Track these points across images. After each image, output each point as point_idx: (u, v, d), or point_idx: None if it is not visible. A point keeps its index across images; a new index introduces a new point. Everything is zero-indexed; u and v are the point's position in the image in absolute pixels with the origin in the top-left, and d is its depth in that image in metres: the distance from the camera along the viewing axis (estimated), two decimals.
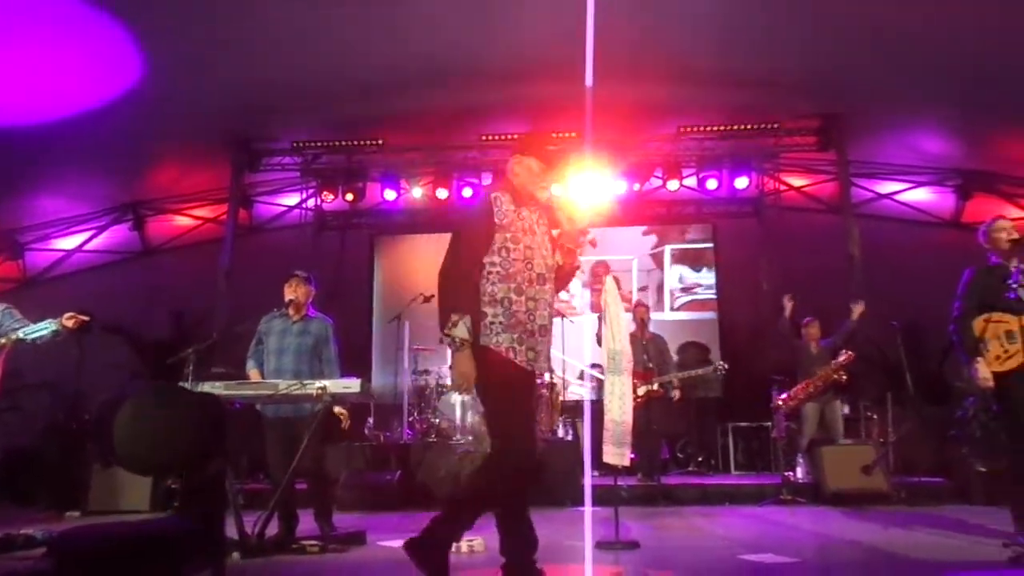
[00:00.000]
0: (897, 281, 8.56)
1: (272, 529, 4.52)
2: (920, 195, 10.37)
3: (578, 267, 3.28)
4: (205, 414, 1.95)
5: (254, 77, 8.16)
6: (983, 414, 6.61)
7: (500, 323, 3.02)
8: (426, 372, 8.96)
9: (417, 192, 10.77)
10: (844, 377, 7.30)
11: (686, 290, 10.79)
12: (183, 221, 11.29)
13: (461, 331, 2.95)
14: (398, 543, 4.78)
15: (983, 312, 4.34)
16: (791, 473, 7.29)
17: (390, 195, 10.62)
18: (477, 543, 4.43)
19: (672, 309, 10.76)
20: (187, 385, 4.48)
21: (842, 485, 6.73)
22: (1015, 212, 9.64)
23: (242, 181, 10.33)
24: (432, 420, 8.28)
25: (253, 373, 5.08)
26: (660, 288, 10.81)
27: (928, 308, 6.10)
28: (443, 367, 9.07)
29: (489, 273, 3.08)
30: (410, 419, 8.52)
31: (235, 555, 4.14)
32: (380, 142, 10.14)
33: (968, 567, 3.69)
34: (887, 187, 10.42)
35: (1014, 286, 4.21)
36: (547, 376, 8.53)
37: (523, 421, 3.07)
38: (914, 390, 7.25)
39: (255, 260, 10.04)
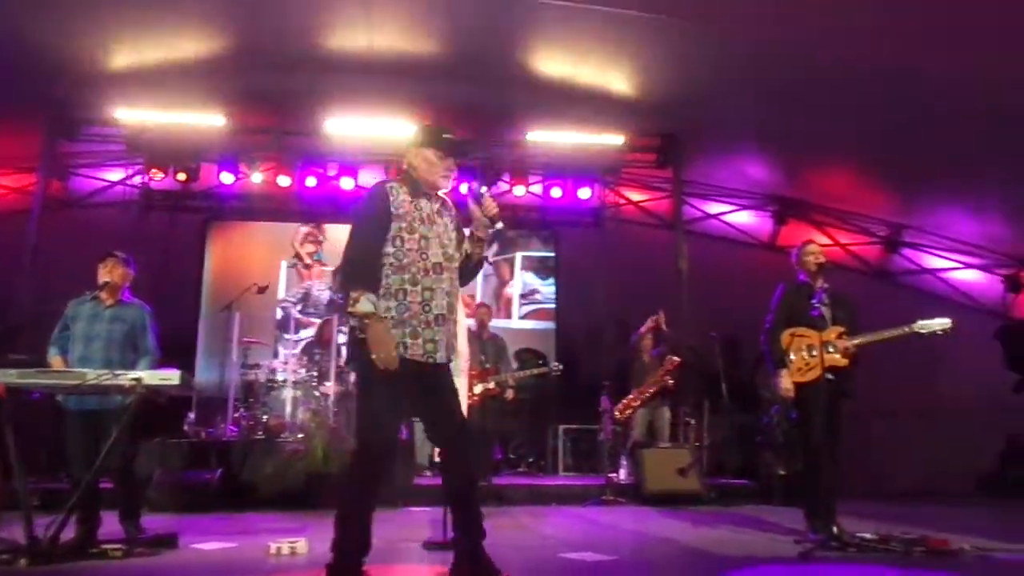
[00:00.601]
0: (719, 296, 9.16)
1: (71, 533, 4.13)
2: (743, 217, 11.19)
3: (485, 257, 3.27)
4: None
5: (77, 35, 7.48)
6: (785, 422, 7.21)
7: (393, 317, 3.01)
8: (256, 366, 8.59)
9: (257, 177, 10.26)
10: (671, 382, 7.70)
11: (527, 296, 11.00)
12: None
13: (365, 306, 2.90)
14: (212, 546, 4.54)
15: (791, 327, 4.75)
16: (615, 474, 7.60)
17: (227, 178, 10.07)
18: (300, 545, 4.28)
19: (520, 318, 10.92)
20: None
21: (660, 486, 7.11)
22: (823, 239, 10.64)
23: (56, 150, 9.41)
24: (260, 416, 7.94)
25: (55, 361, 4.61)
26: (498, 295, 10.95)
27: (744, 322, 6.59)
28: (274, 361, 8.72)
29: (384, 264, 3.06)
30: (236, 415, 8.10)
31: (22, 561, 3.74)
32: (220, 122, 9.59)
33: (763, 562, 3.98)
34: (715, 208, 11.17)
35: (817, 305, 4.64)
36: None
37: (384, 417, 3.04)
38: (728, 398, 7.80)
39: (68, 238, 9.19)
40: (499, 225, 3.21)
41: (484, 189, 3.27)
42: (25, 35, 7.27)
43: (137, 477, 5.04)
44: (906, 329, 4.55)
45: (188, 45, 7.88)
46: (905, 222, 10.47)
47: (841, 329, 4.66)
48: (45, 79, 8.20)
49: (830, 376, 4.58)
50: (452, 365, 3.27)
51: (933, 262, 10.67)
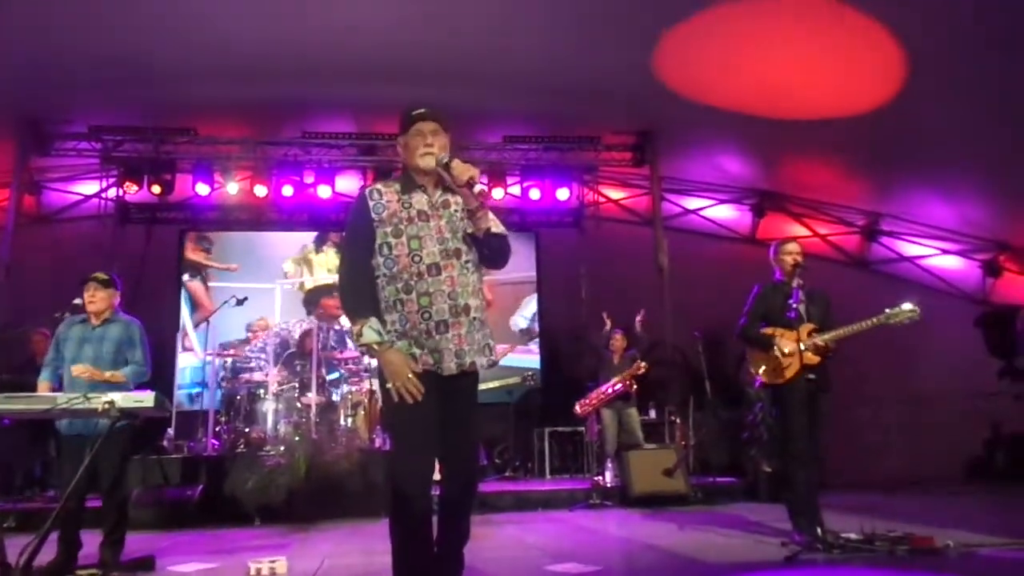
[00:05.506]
0: (700, 291, 9.13)
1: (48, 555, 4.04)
2: (722, 212, 11.19)
3: (488, 228, 2.85)
4: None
5: (46, 50, 7.36)
6: (769, 418, 7.19)
7: (396, 330, 2.77)
8: (236, 378, 8.49)
9: (233, 188, 10.14)
10: (634, 387, 7.66)
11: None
12: None
13: (369, 335, 2.71)
14: (191, 567, 4.46)
15: (767, 326, 4.74)
16: (601, 477, 7.54)
17: (203, 189, 9.95)
18: (279, 564, 4.21)
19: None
20: None
21: (646, 488, 7.06)
22: (801, 230, 10.67)
23: (29, 165, 9.27)
24: (242, 429, 7.85)
25: (42, 385, 4.56)
26: None
27: (727, 318, 6.54)
28: (254, 374, 8.64)
29: (376, 277, 2.83)
30: (217, 428, 8.01)
31: None
32: (193, 132, 9.49)
33: (749, 568, 3.96)
34: (694, 203, 11.15)
35: (794, 305, 4.61)
36: (367, 383, 8.36)
37: (415, 445, 2.76)
38: (712, 395, 7.78)
39: (43, 253, 9.09)
40: (478, 188, 2.79)
41: (444, 157, 2.86)
42: None
43: (126, 498, 4.95)
44: (874, 320, 4.53)
45: (165, 55, 7.75)
46: (882, 210, 10.50)
47: (812, 326, 4.65)
48: (15, 92, 8.08)
49: (810, 376, 4.57)
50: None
51: (911, 249, 10.72)
